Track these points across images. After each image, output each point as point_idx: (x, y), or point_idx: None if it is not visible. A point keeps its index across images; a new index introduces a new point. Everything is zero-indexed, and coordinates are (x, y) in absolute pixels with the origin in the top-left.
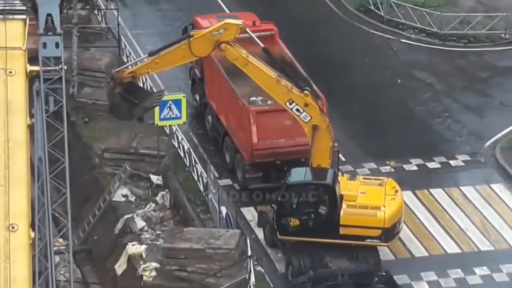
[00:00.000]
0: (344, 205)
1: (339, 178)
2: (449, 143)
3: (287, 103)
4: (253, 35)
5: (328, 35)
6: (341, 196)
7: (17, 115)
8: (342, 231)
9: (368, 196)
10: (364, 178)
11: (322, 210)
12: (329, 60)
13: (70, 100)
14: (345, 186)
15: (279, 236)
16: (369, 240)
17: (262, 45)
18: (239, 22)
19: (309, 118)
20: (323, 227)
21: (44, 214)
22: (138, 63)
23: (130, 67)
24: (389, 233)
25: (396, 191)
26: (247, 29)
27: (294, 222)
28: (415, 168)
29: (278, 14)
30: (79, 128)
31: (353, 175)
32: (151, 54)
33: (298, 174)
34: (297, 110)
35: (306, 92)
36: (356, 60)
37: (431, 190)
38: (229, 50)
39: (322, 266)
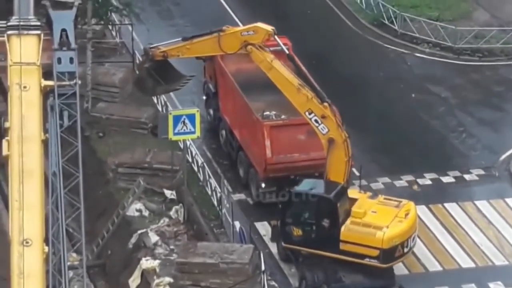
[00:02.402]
0: (348, 221)
1: (360, 195)
2: (464, 157)
3: (307, 113)
4: (280, 42)
5: (342, 49)
6: (348, 212)
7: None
8: (342, 246)
9: (376, 216)
10: (385, 198)
11: (326, 223)
12: (343, 75)
13: (84, 115)
14: (362, 203)
15: (283, 244)
16: (367, 259)
17: (287, 52)
18: (268, 27)
19: (326, 130)
20: (324, 240)
21: (58, 229)
22: (173, 45)
23: (164, 46)
24: (388, 255)
25: (407, 214)
26: (275, 37)
27: (297, 231)
28: (430, 182)
29: (292, 28)
30: (93, 143)
31: (375, 194)
32: (184, 39)
33: (307, 184)
34: (316, 121)
35: (325, 104)
36: (370, 74)
37: (446, 205)
38: (254, 53)
39: (336, 280)
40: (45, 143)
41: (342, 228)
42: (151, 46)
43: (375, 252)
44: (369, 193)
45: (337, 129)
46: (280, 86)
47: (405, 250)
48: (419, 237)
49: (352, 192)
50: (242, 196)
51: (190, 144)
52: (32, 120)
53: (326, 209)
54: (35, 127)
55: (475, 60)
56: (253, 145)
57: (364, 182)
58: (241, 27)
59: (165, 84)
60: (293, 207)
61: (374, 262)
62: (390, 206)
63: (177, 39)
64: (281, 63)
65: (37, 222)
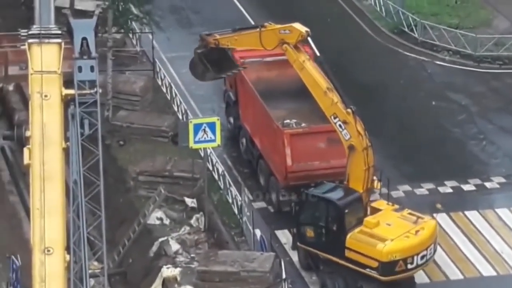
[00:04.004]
0: (357, 230)
1: (387, 206)
2: (484, 165)
3: (332, 117)
4: (312, 44)
5: (362, 57)
6: (361, 221)
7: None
8: (347, 253)
9: (388, 228)
10: (409, 213)
11: (333, 228)
12: (363, 82)
13: (105, 124)
14: (381, 214)
15: (298, 243)
16: (368, 270)
17: (318, 54)
18: (303, 28)
19: (348, 136)
20: (332, 245)
21: (80, 237)
22: (225, 34)
23: (218, 34)
24: (388, 268)
25: (418, 231)
26: (309, 38)
27: (309, 232)
28: (450, 190)
29: (312, 36)
30: (114, 151)
31: (402, 207)
32: (234, 30)
33: (324, 188)
34: (340, 126)
35: (349, 110)
36: (390, 82)
37: (466, 213)
38: (288, 51)
39: None
40: (66, 152)
41: (348, 236)
42: (207, 33)
43: (375, 264)
44: (396, 206)
45: (358, 136)
46: (310, 87)
47: (409, 266)
48: (440, 245)
49: (380, 203)
50: (262, 204)
51: (210, 152)
52: (53, 128)
53: (334, 214)
54: (56, 135)
55: (495, 68)
56: (273, 153)
57: (384, 191)
58: (280, 25)
59: (213, 72)
60: (307, 208)
61: (374, 274)
62: (407, 221)
63: (228, 29)
64: (313, 65)
65: (59, 231)
